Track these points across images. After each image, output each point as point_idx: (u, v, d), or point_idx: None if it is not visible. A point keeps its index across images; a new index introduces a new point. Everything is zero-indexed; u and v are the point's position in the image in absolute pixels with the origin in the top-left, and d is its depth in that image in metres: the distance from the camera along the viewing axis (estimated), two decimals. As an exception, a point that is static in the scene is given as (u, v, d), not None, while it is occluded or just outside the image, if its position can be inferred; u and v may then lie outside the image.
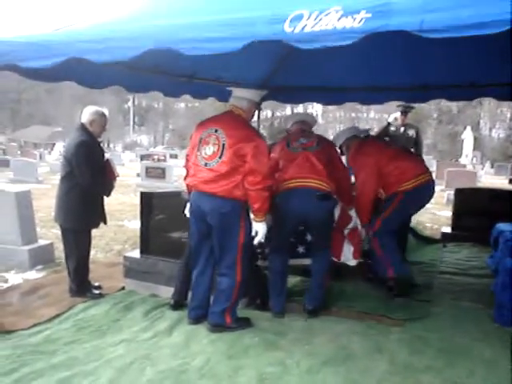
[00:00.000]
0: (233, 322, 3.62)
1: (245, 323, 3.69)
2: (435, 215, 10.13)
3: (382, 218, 4.45)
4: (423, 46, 3.34)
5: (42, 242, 5.64)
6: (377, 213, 4.51)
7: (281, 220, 3.95)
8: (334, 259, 4.51)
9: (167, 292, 4.22)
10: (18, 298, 4.37)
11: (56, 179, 5.84)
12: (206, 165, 3.44)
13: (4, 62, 3.26)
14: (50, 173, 18.07)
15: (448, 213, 9.02)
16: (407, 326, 3.83)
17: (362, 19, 2.20)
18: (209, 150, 3.44)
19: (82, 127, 4.26)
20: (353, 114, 50.33)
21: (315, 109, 54.78)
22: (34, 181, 14.52)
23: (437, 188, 14.95)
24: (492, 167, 28.98)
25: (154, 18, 3.01)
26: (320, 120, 55.10)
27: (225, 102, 4.11)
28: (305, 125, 4.22)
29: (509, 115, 45.44)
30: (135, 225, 7.58)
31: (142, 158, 22.80)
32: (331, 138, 4.84)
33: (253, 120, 4.25)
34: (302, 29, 2.32)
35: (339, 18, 2.25)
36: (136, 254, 4.64)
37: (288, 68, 5.77)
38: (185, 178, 3.77)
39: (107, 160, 4.44)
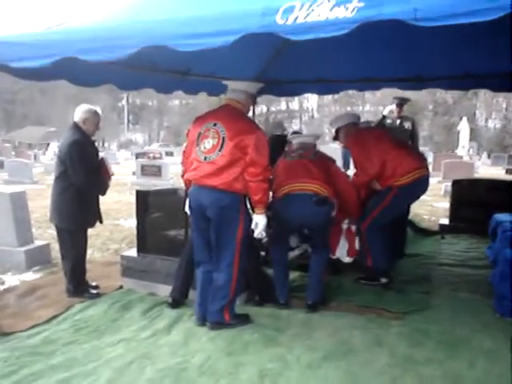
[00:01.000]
0: (232, 318, 3.60)
1: (244, 320, 3.67)
2: (433, 207, 10.13)
3: (374, 213, 4.44)
4: (417, 34, 3.30)
5: (38, 243, 5.60)
6: (369, 206, 4.51)
7: (279, 225, 4.06)
8: (349, 259, 4.55)
9: (165, 290, 4.20)
10: (15, 300, 4.35)
11: (51, 179, 5.80)
12: (205, 159, 3.43)
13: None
14: (44, 173, 18.01)
15: (445, 204, 9.03)
16: (407, 318, 3.82)
17: (354, 8, 2.18)
18: (208, 143, 3.43)
19: (75, 126, 4.22)
20: (348, 108, 50.24)
21: (311, 103, 54.88)
22: (28, 181, 14.45)
23: (434, 180, 14.91)
24: (489, 158, 29.03)
25: (145, 15, 2.98)
26: (315, 114, 55.19)
27: (216, 97, 4.09)
28: (306, 145, 4.21)
29: (504, 105, 45.54)
30: (131, 223, 7.56)
31: (138, 156, 22.76)
32: (326, 132, 4.83)
33: (248, 115, 4.25)
34: (295, 20, 2.30)
35: (331, 8, 2.22)
36: (133, 252, 4.62)
37: (282, 61, 5.74)
38: (183, 175, 3.75)
39: (102, 159, 4.41)
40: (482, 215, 5.84)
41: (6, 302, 4.28)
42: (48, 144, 33.67)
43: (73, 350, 3.32)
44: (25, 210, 5.52)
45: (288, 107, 56.84)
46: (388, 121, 7.00)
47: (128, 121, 54.96)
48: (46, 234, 6.89)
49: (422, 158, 4.69)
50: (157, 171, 14.67)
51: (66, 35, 3.02)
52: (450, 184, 8.00)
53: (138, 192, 4.61)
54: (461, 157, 21.26)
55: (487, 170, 22.13)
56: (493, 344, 3.29)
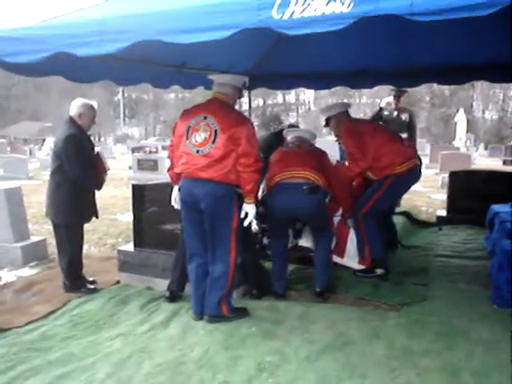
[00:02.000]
0: (229, 311, 3.60)
1: (242, 313, 3.66)
2: (430, 198, 10.14)
3: (370, 202, 4.50)
4: (414, 26, 3.28)
5: (34, 239, 5.58)
6: (366, 195, 4.55)
7: (272, 215, 4.10)
8: (337, 258, 4.55)
9: (162, 284, 4.19)
10: (11, 296, 4.33)
11: (46, 175, 5.76)
12: (197, 152, 3.43)
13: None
14: (40, 168, 17.93)
15: (443, 196, 9.03)
16: (404, 310, 3.83)
17: (350, 3, 2.16)
18: (199, 137, 3.43)
19: (71, 120, 4.20)
20: (345, 100, 50.16)
21: (307, 96, 54.76)
22: (24, 177, 14.41)
23: (431, 171, 14.95)
24: (486, 149, 29.06)
25: (139, 7, 2.95)
26: (312, 107, 55.07)
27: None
28: (303, 139, 4.27)
29: (501, 96, 45.55)
30: (128, 218, 7.52)
31: (134, 150, 22.65)
32: (323, 124, 4.84)
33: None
34: (291, 15, 2.29)
35: (327, 3, 2.21)
36: (130, 247, 4.60)
37: (278, 54, 5.72)
38: (170, 169, 3.77)
39: (97, 153, 4.39)
40: (479, 206, 5.86)
41: (3, 298, 4.27)
42: (44, 139, 33.52)
43: (70, 346, 3.31)
44: (20, 205, 5.49)
45: (285, 100, 56.72)
46: (385, 113, 7.01)
47: (124, 115, 54.76)
48: (42, 230, 6.87)
49: (414, 149, 4.83)
50: (153, 165, 14.62)
51: (59, 29, 3.01)
52: (447, 175, 8.00)
53: (134, 186, 4.59)
54: (458, 148, 21.29)
55: (484, 161, 22.15)
56: (491, 335, 3.29)
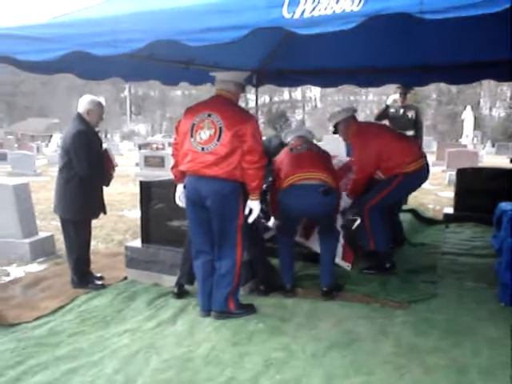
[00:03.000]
0: (236, 307, 3.62)
1: (249, 309, 3.68)
2: (437, 196, 10.11)
3: (378, 196, 4.57)
4: (422, 24, 3.27)
5: (42, 235, 5.62)
6: (374, 190, 4.61)
7: (284, 215, 4.12)
8: (348, 265, 4.58)
9: (170, 281, 4.21)
10: (20, 291, 4.36)
11: (54, 171, 5.80)
12: (202, 149, 3.43)
13: (2, 54, 3.21)
14: (47, 165, 18.04)
15: (450, 193, 9.00)
16: (412, 308, 3.82)
17: (360, 1, 2.16)
18: (204, 134, 3.44)
19: (79, 117, 4.22)
20: (351, 97, 50.04)
21: (313, 93, 54.63)
22: (32, 173, 14.48)
23: (438, 169, 14.88)
24: (493, 147, 28.90)
25: (151, 5, 2.94)
26: (319, 104, 54.95)
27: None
28: (304, 138, 4.30)
29: (509, 94, 45.24)
30: (135, 214, 7.57)
31: (141, 147, 22.70)
32: (332, 131, 4.89)
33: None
34: (302, 14, 2.28)
35: (337, 1, 2.20)
36: (137, 243, 4.62)
37: (285, 51, 5.71)
38: (174, 167, 3.78)
39: (105, 150, 4.41)
40: (487, 204, 5.83)
41: (12, 294, 4.30)
42: (51, 136, 33.68)
43: (78, 341, 3.34)
44: (28, 201, 5.53)
45: (291, 97, 56.58)
46: (392, 110, 6.97)
47: (130, 112, 54.90)
48: (50, 226, 6.91)
49: (420, 149, 4.94)
50: (160, 162, 14.64)
51: (72, 28, 3.00)
52: (454, 173, 7.96)
53: (141, 183, 4.61)
54: (465, 146, 21.15)
55: (491, 158, 22.02)
56: (497, 333, 3.30)
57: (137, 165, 16.21)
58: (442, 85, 40.34)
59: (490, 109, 46.29)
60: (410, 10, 2.09)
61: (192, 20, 2.63)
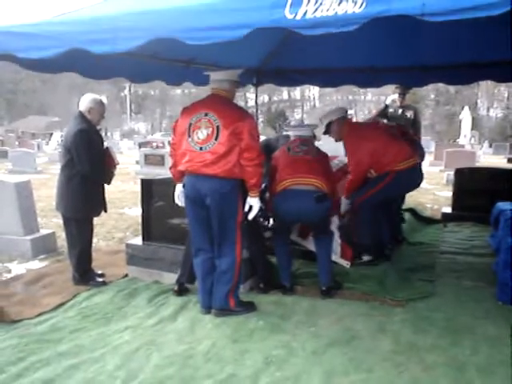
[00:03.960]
0: (237, 305, 3.64)
1: (249, 307, 3.71)
2: (435, 195, 10.15)
3: (368, 193, 4.66)
4: (422, 25, 3.30)
5: (43, 232, 5.64)
6: (366, 186, 4.70)
7: (279, 218, 4.18)
8: (347, 263, 4.60)
9: (170, 278, 4.24)
10: (22, 288, 4.39)
11: (55, 169, 5.80)
12: (201, 149, 3.46)
13: (2, 52, 3.22)
14: (48, 163, 18.05)
15: (448, 193, 9.04)
16: (410, 306, 3.85)
17: (362, 3, 2.17)
18: (201, 133, 3.46)
19: (81, 115, 4.23)
20: (350, 97, 50.07)
21: (312, 92, 54.62)
22: (32, 171, 14.49)
23: (436, 169, 14.88)
24: (490, 147, 28.97)
25: (152, 3, 2.96)
26: (317, 103, 54.94)
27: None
28: (303, 139, 4.28)
29: (506, 94, 45.32)
30: (136, 212, 7.59)
31: (141, 145, 22.72)
32: (322, 131, 4.90)
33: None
34: (304, 15, 2.29)
35: (340, 2, 2.22)
36: (138, 241, 4.65)
37: (285, 51, 5.73)
38: (172, 166, 3.80)
39: (107, 148, 4.43)
40: (484, 204, 5.87)
41: (14, 290, 4.33)
42: (51, 134, 33.65)
43: (80, 337, 3.36)
44: (30, 199, 5.55)
45: (290, 96, 56.59)
46: (390, 110, 6.99)
47: (130, 110, 54.86)
48: (51, 223, 6.93)
49: (420, 148, 5.08)
50: (160, 160, 14.67)
51: (72, 26, 3.00)
52: (452, 173, 8.00)
53: (142, 181, 4.63)
54: (462, 146, 21.21)
55: (489, 159, 22.09)
56: (495, 331, 3.33)
57: (137, 163, 16.23)
58: (440, 85, 40.26)
59: (488, 109, 46.33)
60: (411, 13, 2.10)
61: (191, 18, 2.63)
